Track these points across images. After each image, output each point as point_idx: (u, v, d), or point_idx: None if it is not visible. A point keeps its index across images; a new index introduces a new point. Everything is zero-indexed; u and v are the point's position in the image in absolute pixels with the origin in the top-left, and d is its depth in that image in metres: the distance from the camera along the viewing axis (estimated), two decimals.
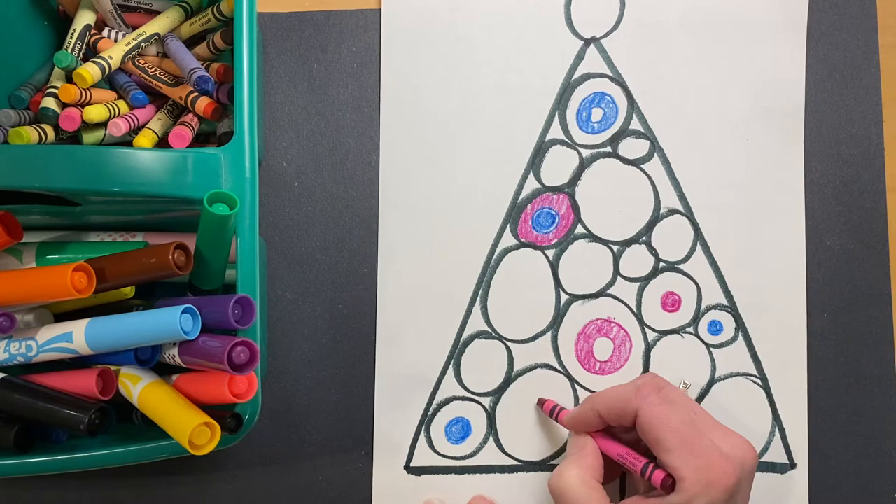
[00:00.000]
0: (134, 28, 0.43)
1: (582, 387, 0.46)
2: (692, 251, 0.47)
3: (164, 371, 0.37)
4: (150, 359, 0.36)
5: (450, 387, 0.46)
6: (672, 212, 0.47)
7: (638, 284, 0.47)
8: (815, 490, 0.46)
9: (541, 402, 0.46)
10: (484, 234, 0.46)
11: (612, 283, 0.46)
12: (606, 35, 0.47)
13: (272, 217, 0.47)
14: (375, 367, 0.46)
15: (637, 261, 0.47)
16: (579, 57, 0.47)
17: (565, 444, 0.46)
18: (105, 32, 0.43)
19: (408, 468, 0.46)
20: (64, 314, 0.38)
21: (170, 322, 0.32)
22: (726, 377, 0.46)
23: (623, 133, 0.47)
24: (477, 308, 0.46)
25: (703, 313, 0.47)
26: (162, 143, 0.42)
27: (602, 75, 0.47)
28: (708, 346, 0.47)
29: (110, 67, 0.41)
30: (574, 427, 0.43)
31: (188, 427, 0.32)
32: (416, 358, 0.46)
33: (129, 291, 0.38)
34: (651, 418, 0.38)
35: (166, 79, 0.42)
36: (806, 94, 0.47)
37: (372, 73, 0.47)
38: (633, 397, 0.39)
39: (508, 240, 0.46)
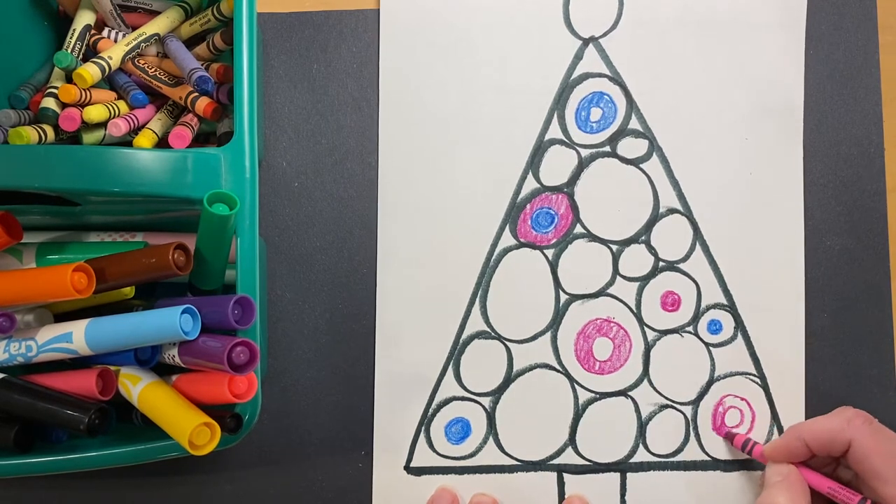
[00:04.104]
0: (134, 28, 0.43)
1: (582, 386, 0.46)
2: (691, 250, 0.47)
3: (164, 371, 0.37)
4: (150, 359, 0.36)
5: (449, 387, 0.46)
6: (671, 211, 0.47)
7: (637, 284, 0.47)
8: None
9: (729, 436, 0.46)
10: (483, 234, 0.46)
11: (611, 283, 0.47)
12: (605, 35, 0.47)
13: (272, 217, 0.47)
14: (375, 367, 0.46)
15: (636, 260, 0.47)
16: (578, 56, 0.47)
17: (565, 444, 0.46)
18: (105, 32, 0.43)
19: (408, 468, 0.46)
20: (64, 314, 0.38)
21: (170, 322, 0.32)
22: (725, 376, 0.47)
23: (622, 132, 0.47)
24: (476, 308, 0.46)
25: (703, 312, 0.47)
26: (162, 143, 0.42)
27: (601, 75, 0.47)
28: (707, 345, 0.47)
29: (110, 67, 0.41)
30: (776, 458, 0.43)
31: (188, 427, 0.32)
32: (416, 358, 0.46)
33: (129, 291, 0.38)
34: (867, 449, 0.39)
35: (166, 79, 0.42)
36: (806, 94, 0.47)
37: (372, 73, 0.47)
38: (845, 427, 0.40)
39: (508, 240, 0.46)
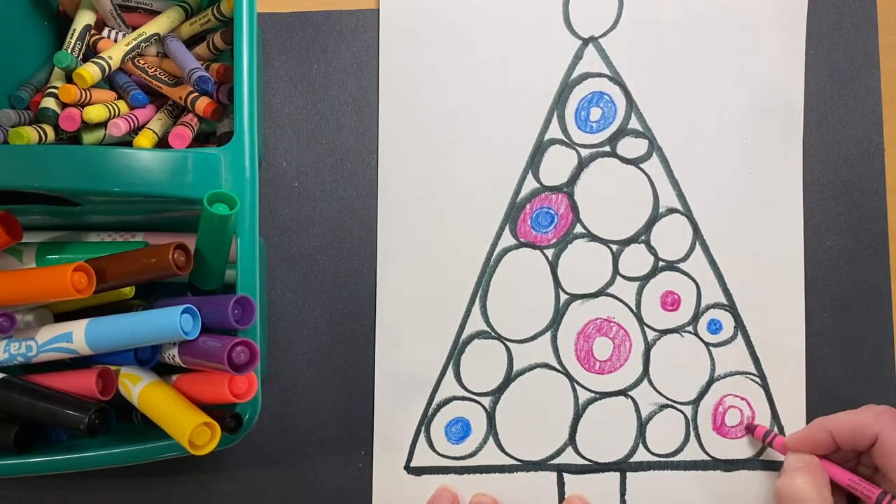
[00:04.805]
0: (134, 28, 0.43)
1: (582, 386, 0.46)
2: (691, 250, 0.47)
3: (164, 371, 0.37)
4: (150, 359, 0.36)
5: (449, 387, 0.46)
6: (671, 211, 0.47)
7: (637, 284, 0.47)
8: None
9: (750, 428, 0.46)
10: (483, 234, 0.46)
11: (611, 283, 0.47)
12: (605, 34, 0.47)
13: (272, 217, 0.47)
14: (375, 367, 0.46)
15: (636, 260, 0.47)
16: (578, 56, 0.47)
17: (565, 444, 0.46)
18: (105, 32, 0.43)
19: (408, 468, 0.46)
20: (64, 314, 0.38)
21: (170, 322, 0.32)
22: (725, 376, 0.47)
23: (622, 132, 0.47)
24: (476, 308, 0.46)
25: (703, 312, 0.47)
26: (162, 143, 0.42)
27: (600, 75, 0.47)
28: (707, 344, 0.47)
29: (110, 67, 0.41)
30: (799, 448, 0.43)
31: (188, 427, 0.32)
32: (416, 358, 0.46)
33: (129, 291, 0.38)
34: (894, 444, 0.39)
35: (166, 79, 0.42)
36: (806, 94, 0.47)
37: (372, 73, 0.47)
38: (873, 422, 0.40)
39: (507, 239, 0.46)
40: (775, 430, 0.46)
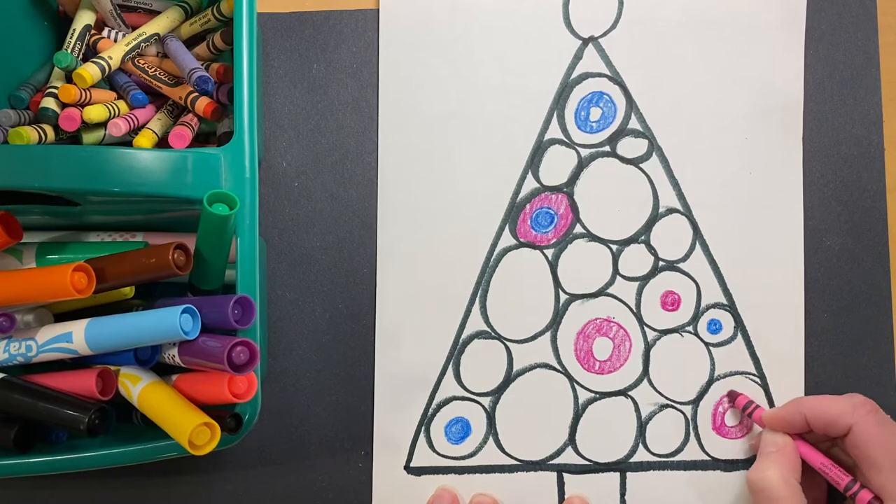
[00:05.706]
0: (134, 28, 0.43)
1: (582, 386, 0.46)
2: (691, 250, 0.47)
3: (164, 371, 0.37)
4: (150, 359, 0.36)
5: (449, 387, 0.46)
6: (671, 211, 0.47)
7: (637, 284, 0.47)
8: None
9: (732, 396, 0.46)
10: (483, 234, 0.46)
11: (611, 283, 0.47)
12: (605, 34, 0.47)
13: (272, 217, 0.47)
14: (375, 367, 0.46)
15: (636, 260, 0.47)
16: (577, 56, 0.47)
17: (565, 444, 0.46)
18: (105, 32, 0.43)
19: (408, 468, 0.46)
20: (64, 314, 0.38)
21: (170, 322, 0.32)
22: (725, 376, 0.47)
23: (621, 132, 0.47)
24: (476, 308, 0.46)
25: (703, 312, 0.47)
26: (162, 143, 0.42)
27: (600, 74, 0.47)
28: (707, 344, 0.47)
29: (110, 67, 0.41)
30: (774, 426, 0.44)
31: (188, 427, 0.32)
32: (416, 358, 0.46)
33: (129, 291, 0.38)
34: (867, 436, 0.40)
35: (166, 79, 0.42)
36: (806, 94, 0.47)
37: (371, 73, 0.47)
38: (849, 412, 0.40)
39: (507, 240, 0.46)
40: (755, 402, 0.46)
